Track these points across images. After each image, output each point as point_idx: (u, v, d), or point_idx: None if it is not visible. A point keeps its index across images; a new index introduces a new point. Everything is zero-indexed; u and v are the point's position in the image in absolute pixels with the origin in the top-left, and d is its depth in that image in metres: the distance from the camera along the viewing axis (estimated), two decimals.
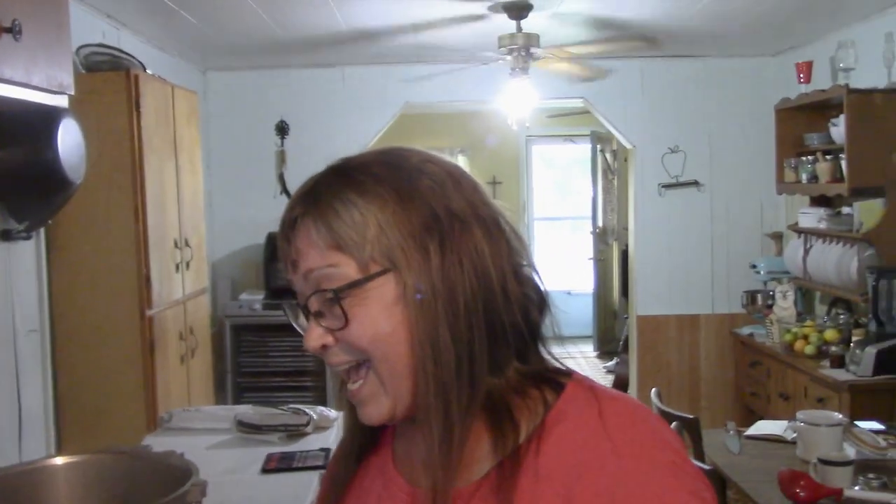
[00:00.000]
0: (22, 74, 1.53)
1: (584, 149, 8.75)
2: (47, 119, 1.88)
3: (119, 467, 1.49)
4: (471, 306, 0.83)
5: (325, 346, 0.87)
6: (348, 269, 0.84)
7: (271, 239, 5.30)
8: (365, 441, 1.01)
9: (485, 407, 0.86)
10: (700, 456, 2.94)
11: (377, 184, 0.85)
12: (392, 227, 0.83)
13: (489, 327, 0.85)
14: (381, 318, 0.83)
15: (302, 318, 0.89)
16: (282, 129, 5.58)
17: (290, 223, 0.87)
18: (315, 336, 0.86)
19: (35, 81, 1.57)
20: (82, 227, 3.19)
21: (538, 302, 0.93)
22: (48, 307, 3.08)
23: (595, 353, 8.78)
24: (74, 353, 3.22)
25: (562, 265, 9.78)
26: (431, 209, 0.85)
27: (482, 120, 7.32)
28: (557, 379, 0.90)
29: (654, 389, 3.42)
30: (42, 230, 2.39)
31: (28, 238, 2.24)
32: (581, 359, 8.74)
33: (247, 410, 2.84)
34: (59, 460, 1.45)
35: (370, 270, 0.83)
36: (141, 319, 3.24)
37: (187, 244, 3.74)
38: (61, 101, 1.66)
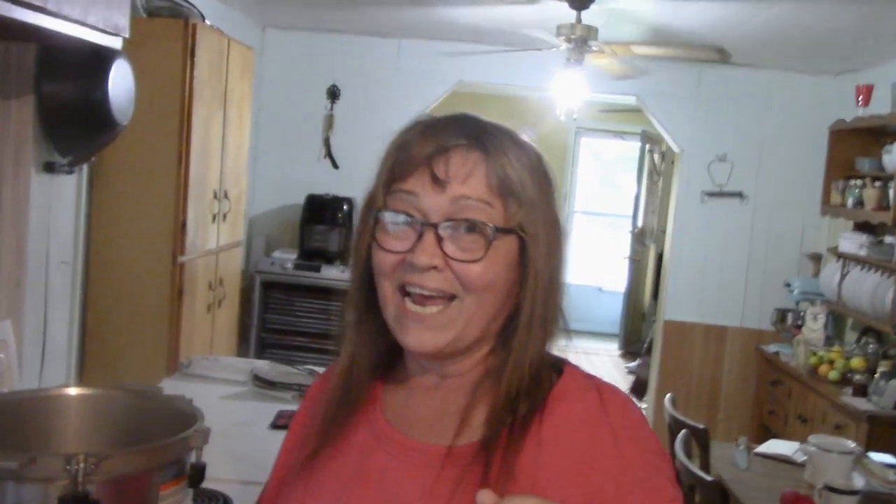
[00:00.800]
0: (80, 13, 1.56)
1: (632, 147, 8.67)
2: (101, 59, 1.91)
3: (129, 404, 1.53)
4: (559, 291, 0.97)
5: (433, 267, 0.91)
6: (497, 215, 0.92)
7: (311, 200, 5.34)
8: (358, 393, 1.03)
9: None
10: (705, 466, 2.93)
11: (536, 166, 0.96)
12: (537, 207, 0.94)
13: (560, 315, 0.98)
14: (502, 269, 0.92)
15: (404, 230, 0.93)
16: (333, 94, 5.61)
17: (442, 147, 0.92)
18: (432, 253, 0.91)
19: (91, 21, 1.60)
20: (126, 168, 3.25)
21: None
22: (84, 241, 3.15)
23: (619, 352, 8.75)
24: (105, 289, 3.29)
25: (597, 261, 9.75)
26: (555, 208, 0.98)
27: (532, 106, 7.28)
28: (555, 362, 0.99)
29: (668, 395, 3.41)
30: (85, 166, 2.44)
31: (70, 172, 2.29)
32: (605, 356, 8.71)
33: (264, 366, 2.88)
34: (73, 391, 1.49)
35: (510, 226, 0.92)
36: (172, 264, 3.30)
37: (226, 196, 3.78)
38: (115, 43, 1.69)
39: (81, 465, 1.20)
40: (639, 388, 6.54)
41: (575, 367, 0.99)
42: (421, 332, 0.93)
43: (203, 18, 3.57)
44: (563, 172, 9.33)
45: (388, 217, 0.94)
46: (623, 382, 7.54)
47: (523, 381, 0.94)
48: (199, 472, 1.39)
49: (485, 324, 0.94)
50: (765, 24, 4.09)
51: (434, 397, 1.00)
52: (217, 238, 3.74)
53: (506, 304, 0.96)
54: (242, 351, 4.95)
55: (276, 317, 5.25)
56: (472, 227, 0.91)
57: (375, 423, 1.01)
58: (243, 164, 4.06)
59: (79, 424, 1.45)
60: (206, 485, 2.05)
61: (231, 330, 4.09)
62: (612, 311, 9.08)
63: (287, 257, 5.28)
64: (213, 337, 3.80)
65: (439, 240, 0.91)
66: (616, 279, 9.06)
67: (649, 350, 6.49)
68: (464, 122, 0.97)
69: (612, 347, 8.90)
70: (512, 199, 0.93)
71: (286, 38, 5.63)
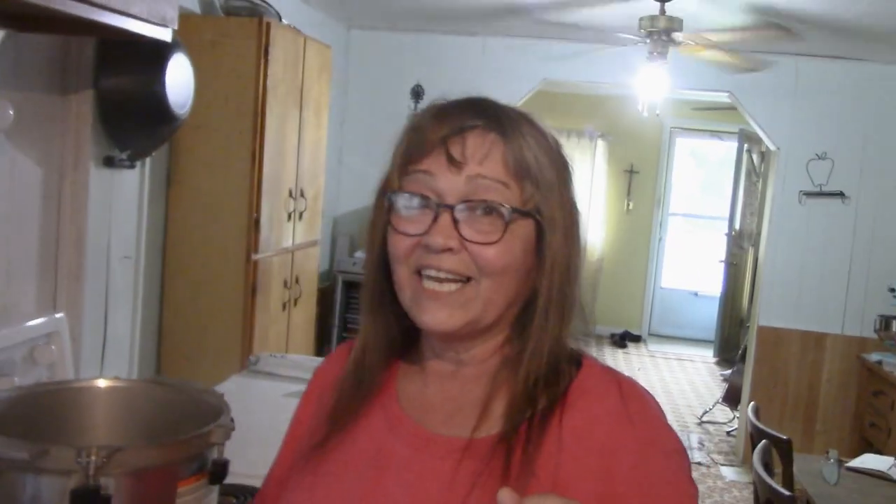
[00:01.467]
0: (121, 3, 1.55)
1: (731, 147, 8.38)
2: (158, 53, 1.92)
3: (159, 398, 1.51)
4: (576, 277, 0.95)
5: (448, 249, 0.89)
6: (514, 197, 0.91)
7: None
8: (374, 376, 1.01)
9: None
10: (788, 480, 2.76)
11: (554, 150, 0.95)
12: (554, 191, 0.93)
13: (577, 303, 0.96)
14: (518, 252, 0.91)
15: (420, 213, 0.91)
16: (417, 93, 5.59)
17: (458, 126, 0.91)
18: (448, 234, 0.89)
19: (135, 11, 1.59)
20: (201, 165, 3.29)
21: None
22: (160, 237, 3.20)
23: (714, 360, 8.47)
24: (181, 285, 3.34)
25: (693, 265, 9.47)
26: (572, 193, 0.97)
27: (623, 105, 7.12)
28: (574, 355, 0.97)
29: (751, 404, 3.24)
30: (148, 161, 2.47)
31: (131, 167, 2.32)
32: (700, 363, 8.44)
33: None
34: (102, 383, 1.48)
35: (527, 209, 0.91)
36: (246, 262, 3.32)
37: (302, 195, 3.79)
38: (164, 35, 1.68)
39: (93, 457, 1.17)
40: (732, 397, 6.29)
41: (594, 360, 0.97)
42: (438, 309, 0.91)
43: (280, 18, 3.59)
44: (657, 174, 9.11)
45: (402, 200, 0.93)
46: (717, 390, 7.28)
47: (542, 370, 0.92)
48: (220, 470, 1.35)
49: (502, 307, 0.93)
50: (871, 7, 3.81)
51: (450, 387, 0.98)
52: (293, 236, 3.75)
53: (522, 290, 0.94)
54: (324, 351, 4.98)
55: (357, 316, 5.25)
56: (489, 208, 0.90)
57: (390, 412, 0.99)
58: (321, 163, 4.07)
59: (105, 415, 1.44)
60: (255, 482, 2.04)
61: (307, 328, 4.10)
62: (708, 317, 8.81)
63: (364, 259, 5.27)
64: (289, 335, 3.81)
65: (455, 222, 0.90)
66: (713, 284, 8.77)
67: (744, 357, 6.23)
68: (479, 105, 0.95)
69: (707, 354, 8.61)
70: (529, 182, 0.92)
71: (371, 38, 5.64)
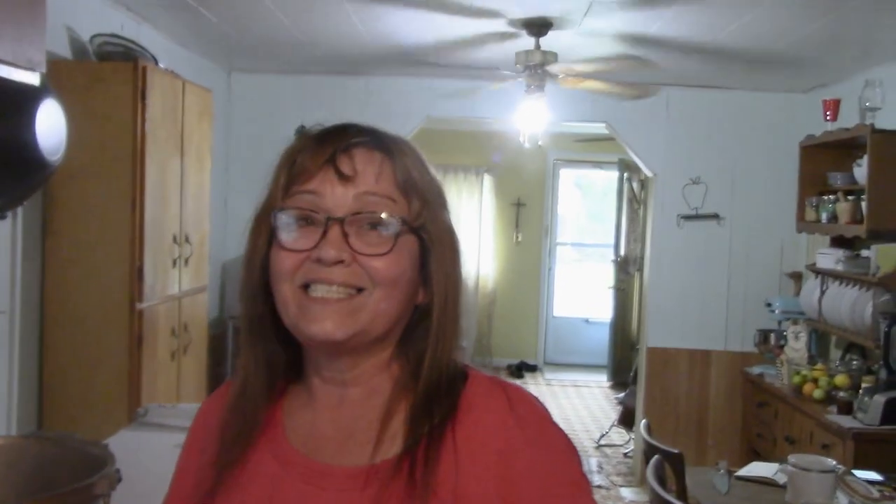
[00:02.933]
0: None
1: (613, 176, 8.66)
2: (26, 97, 1.86)
3: (39, 452, 1.45)
4: (461, 295, 0.97)
5: (340, 262, 0.90)
6: (403, 212, 0.92)
7: None
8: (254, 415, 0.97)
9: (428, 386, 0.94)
10: (682, 493, 2.84)
11: (431, 173, 0.98)
12: (437, 211, 0.96)
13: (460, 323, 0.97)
14: (408, 265, 0.93)
15: (306, 229, 0.91)
16: (301, 133, 5.56)
17: (344, 144, 0.92)
18: (339, 247, 0.90)
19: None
20: (78, 214, 3.19)
21: None
22: (38, 289, 3.07)
23: (609, 384, 8.65)
24: (61, 338, 3.20)
25: (582, 292, 9.70)
26: (449, 218, 0.99)
27: (507, 139, 7.27)
28: (459, 367, 0.98)
29: (643, 421, 3.32)
30: (20, 211, 2.37)
31: (2, 217, 2.22)
32: (595, 388, 8.61)
33: None
34: None
35: (415, 225, 0.93)
36: (130, 312, 3.22)
37: (188, 240, 3.71)
38: (32, 79, 1.63)
39: None
40: (627, 419, 6.44)
41: (478, 372, 0.99)
42: (326, 317, 0.90)
43: (156, 61, 3.53)
44: (543, 204, 9.31)
45: (287, 218, 0.92)
46: (613, 413, 7.43)
47: (441, 382, 0.93)
48: None
49: (391, 320, 0.93)
50: (734, 34, 4.01)
51: (339, 415, 0.96)
52: (179, 283, 3.66)
53: (408, 306, 0.95)
54: None
55: None
56: (378, 221, 0.91)
57: (279, 448, 0.96)
58: (206, 208, 4.00)
59: None
60: None
61: (199, 377, 3.99)
62: (600, 343, 9.01)
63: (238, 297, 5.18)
64: (180, 384, 3.71)
65: (345, 235, 0.90)
66: (603, 310, 9.00)
67: (636, 379, 6.40)
68: (358, 126, 0.97)
69: (602, 379, 8.80)
70: (416, 198, 0.94)
71: (252, 81, 5.60)
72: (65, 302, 3.19)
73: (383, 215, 0.91)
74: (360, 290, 0.91)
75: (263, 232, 0.95)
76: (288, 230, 0.92)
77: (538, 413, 0.95)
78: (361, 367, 0.96)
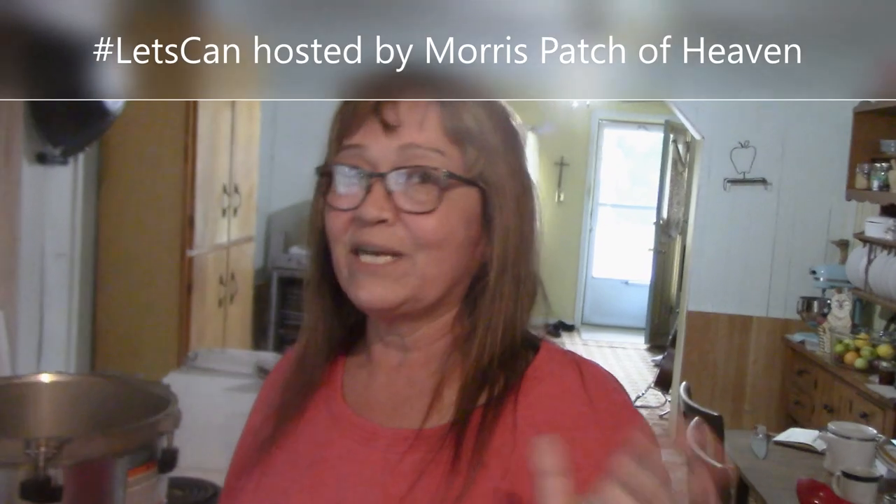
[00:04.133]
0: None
1: (658, 138, 8.57)
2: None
3: (104, 390, 1.50)
4: (532, 251, 0.90)
5: (382, 221, 0.85)
6: (453, 164, 0.85)
7: None
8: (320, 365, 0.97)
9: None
10: (720, 455, 2.86)
11: (500, 116, 0.90)
12: (501, 157, 0.88)
13: (535, 280, 0.91)
14: (459, 223, 0.86)
15: (353, 186, 0.86)
16: None
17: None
18: (381, 205, 0.85)
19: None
20: (133, 162, 3.25)
21: None
22: (93, 235, 3.15)
23: (646, 346, 8.65)
24: (115, 282, 3.29)
25: (623, 254, 9.66)
26: (522, 161, 0.92)
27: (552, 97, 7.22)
28: (532, 339, 0.92)
29: (683, 384, 3.33)
30: (81, 157, 2.42)
31: (65, 163, 2.28)
32: (632, 350, 8.62)
33: (269, 357, 2.85)
34: (46, 377, 1.47)
35: (469, 176, 0.86)
36: (181, 259, 3.29)
37: (237, 191, 3.77)
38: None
39: (42, 449, 1.17)
40: (664, 381, 6.45)
41: (553, 345, 0.92)
42: (374, 284, 0.86)
43: None
44: (587, 165, 9.26)
45: (335, 174, 0.88)
46: (650, 375, 7.45)
47: (496, 349, 0.87)
48: (170, 458, 1.36)
49: (444, 284, 0.87)
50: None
51: (397, 379, 0.93)
52: (228, 232, 3.73)
53: (469, 265, 0.89)
54: (262, 347, 4.95)
55: (294, 312, 5.24)
56: (425, 176, 0.85)
57: (335, 407, 0.95)
58: (255, 158, 4.05)
59: (52, 410, 1.43)
60: (199, 475, 2.03)
61: (244, 325, 4.08)
62: (638, 305, 8.99)
63: (305, 253, 5.25)
64: (226, 332, 3.79)
65: (389, 192, 0.85)
66: (643, 272, 8.97)
67: (674, 342, 6.40)
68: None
69: (639, 341, 8.80)
70: (470, 147, 0.87)
71: None
72: (118, 247, 3.27)
73: (428, 167, 0.84)
74: (401, 254, 0.85)
75: (321, 188, 0.92)
76: (336, 188, 0.88)
77: (614, 394, 0.88)
78: (422, 331, 0.91)
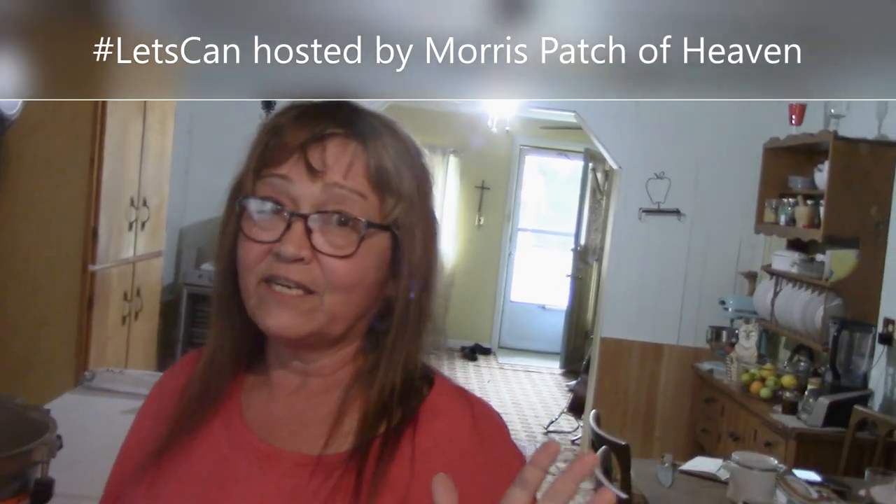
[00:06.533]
0: None
1: (578, 165, 8.69)
2: None
3: None
4: (434, 291, 0.93)
5: (300, 259, 0.86)
6: (372, 209, 0.88)
7: None
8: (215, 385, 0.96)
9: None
10: (626, 484, 2.87)
11: (415, 160, 0.93)
12: (414, 203, 0.91)
13: (434, 317, 0.94)
14: (371, 267, 0.89)
15: (272, 219, 0.87)
16: (268, 104, 5.49)
17: (318, 134, 0.87)
18: (300, 244, 0.86)
19: None
20: (34, 170, 3.12)
21: None
22: None
23: (561, 371, 8.72)
24: (9, 296, 3.14)
25: (540, 279, 9.75)
26: (432, 205, 0.94)
27: (475, 122, 7.26)
28: (426, 371, 0.95)
29: (592, 412, 3.35)
30: None
31: None
32: (547, 374, 8.67)
33: None
34: None
35: (385, 222, 0.89)
36: (82, 272, 3.17)
37: (145, 204, 3.65)
38: None
39: None
40: (577, 407, 6.50)
41: (446, 379, 0.96)
42: (282, 313, 0.87)
43: None
44: (507, 189, 9.33)
45: (254, 205, 0.89)
46: (563, 400, 7.50)
47: (396, 384, 0.90)
48: (44, 489, 1.28)
49: (349, 321, 0.90)
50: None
51: (297, 401, 0.94)
52: (134, 247, 3.60)
53: (374, 302, 0.92)
54: (166, 366, 4.79)
55: (204, 330, 5.10)
56: (345, 220, 0.87)
57: (232, 425, 0.94)
58: (166, 172, 3.93)
59: None
60: (84, 503, 1.93)
61: (149, 343, 3.94)
62: (555, 330, 9.07)
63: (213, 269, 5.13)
64: (129, 350, 3.65)
65: (308, 231, 0.87)
66: (560, 297, 9.05)
67: (588, 368, 6.46)
68: (341, 110, 0.92)
69: (555, 366, 8.87)
70: (389, 194, 0.89)
71: None
72: (15, 259, 3.12)
73: (349, 213, 0.87)
74: (313, 292, 0.87)
75: (234, 213, 0.92)
76: (254, 218, 0.89)
77: (500, 430, 0.93)
78: (324, 360, 0.93)
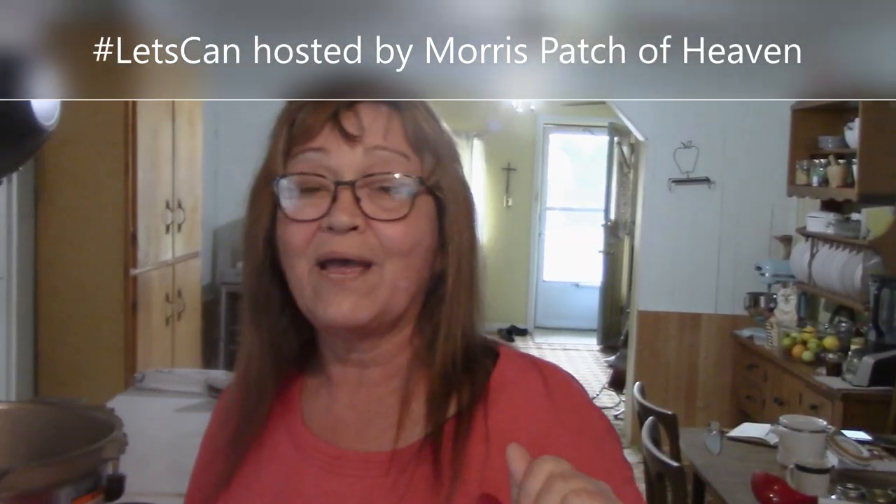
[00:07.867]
0: None
1: (603, 140, 8.65)
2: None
3: (44, 418, 1.45)
4: (480, 257, 0.90)
5: (353, 228, 0.81)
6: (415, 170, 0.84)
7: None
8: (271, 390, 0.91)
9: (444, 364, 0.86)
10: (675, 454, 2.88)
11: (442, 126, 0.89)
12: (450, 165, 0.88)
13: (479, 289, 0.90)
14: (425, 230, 0.85)
15: (314, 196, 0.83)
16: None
17: (346, 104, 0.83)
18: (353, 212, 0.81)
19: None
20: (71, 180, 3.18)
21: None
22: (32, 255, 3.06)
23: (598, 347, 8.72)
24: (57, 305, 3.20)
25: (572, 256, 9.73)
26: (462, 171, 0.91)
27: (497, 104, 7.25)
28: (488, 344, 0.91)
29: (637, 384, 3.35)
30: (15, 177, 2.35)
31: None
32: (585, 351, 8.68)
33: (219, 375, 2.80)
34: None
35: (429, 183, 0.85)
36: (124, 278, 3.22)
37: (180, 206, 3.70)
38: None
39: None
40: (618, 382, 6.50)
41: (510, 349, 0.91)
42: (343, 299, 0.82)
43: None
44: (533, 169, 9.31)
45: (291, 184, 0.83)
46: (603, 376, 7.50)
47: (458, 357, 0.86)
48: (116, 485, 1.31)
49: (409, 295, 0.85)
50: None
51: (358, 398, 0.89)
52: (172, 249, 3.66)
53: (428, 274, 0.87)
54: (212, 364, 4.86)
55: None
56: (390, 185, 0.83)
57: (297, 435, 0.90)
58: (198, 173, 3.98)
59: None
60: (150, 501, 1.98)
61: (193, 342, 4.00)
62: (590, 307, 9.06)
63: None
64: (174, 350, 3.71)
65: (357, 199, 0.82)
66: (593, 274, 9.03)
67: (626, 342, 6.46)
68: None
69: (592, 342, 8.86)
70: (429, 154, 0.86)
71: None
72: (59, 268, 3.18)
73: (397, 175, 0.83)
74: (369, 264, 0.83)
75: (265, 202, 0.86)
76: (293, 199, 0.83)
77: (576, 396, 0.88)
78: (383, 347, 0.88)
